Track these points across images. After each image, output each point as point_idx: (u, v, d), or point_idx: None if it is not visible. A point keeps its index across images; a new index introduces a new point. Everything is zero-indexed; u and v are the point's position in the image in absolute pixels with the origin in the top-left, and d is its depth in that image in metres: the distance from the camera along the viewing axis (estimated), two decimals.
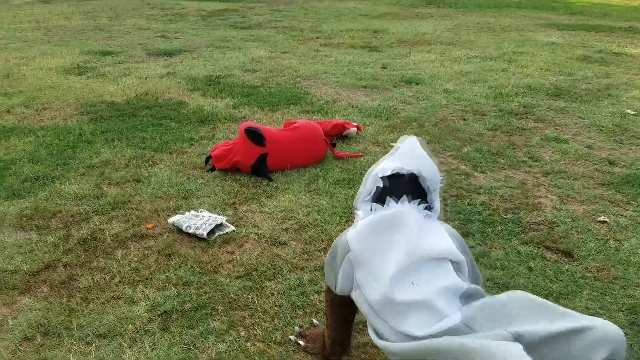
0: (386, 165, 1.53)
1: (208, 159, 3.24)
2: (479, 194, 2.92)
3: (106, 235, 2.48)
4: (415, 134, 3.79)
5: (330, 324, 1.71)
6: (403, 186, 1.49)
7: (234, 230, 2.53)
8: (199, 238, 2.44)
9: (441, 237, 1.46)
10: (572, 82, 5.21)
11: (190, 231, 2.46)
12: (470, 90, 4.87)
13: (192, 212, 2.64)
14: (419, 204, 1.49)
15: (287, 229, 2.55)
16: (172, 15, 9.79)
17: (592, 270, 2.27)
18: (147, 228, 2.55)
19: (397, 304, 1.34)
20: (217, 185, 2.99)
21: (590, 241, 2.48)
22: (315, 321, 1.93)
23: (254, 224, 2.60)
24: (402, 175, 1.50)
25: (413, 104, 4.51)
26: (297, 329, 1.89)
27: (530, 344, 1.23)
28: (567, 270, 2.25)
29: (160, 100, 4.53)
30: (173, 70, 5.52)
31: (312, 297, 2.06)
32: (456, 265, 1.44)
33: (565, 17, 10.36)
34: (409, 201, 1.48)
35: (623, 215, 2.72)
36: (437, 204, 1.53)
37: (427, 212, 1.50)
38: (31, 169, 3.13)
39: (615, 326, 1.24)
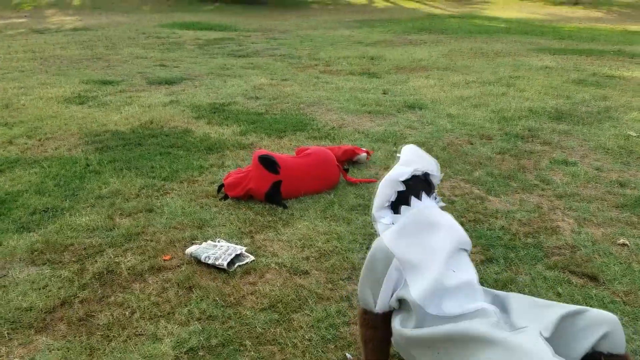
0: (402, 170, 1.68)
1: (220, 187, 3.20)
2: (496, 218, 2.90)
3: (122, 268, 2.41)
4: None
5: (370, 349, 1.67)
6: (418, 185, 1.67)
7: (253, 260, 2.47)
8: (219, 269, 2.38)
9: (458, 227, 1.65)
10: (571, 105, 5.28)
11: (210, 262, 2.40)
12: (473, 115, 4.91)
13: (210, 242, 2.58)
14: (433, 197, 1.70)
15: (307, 258, 2.50)
16: (169, 44, 9.84)
17: (619, 294, 2.24)
18: (164, 260, 2.49)
19: (443, 289, 1.48)
20: (232, 214, 2.94)
21: (614, 264, 2.46)
22: (348, 355, 1.87)
23: (273, 252, 2.55)
24: (418, 176, 1.68)
25: (419, 128, 4.52)
26: None
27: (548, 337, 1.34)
28: (595, 295, 2.22)
29: (165, 128, 4.50)
30: (176, 98, 5.51)
31: (342, 330, 2.00)
32: (468, 252, 1.65)
33: (555, 41, 10.58)
34: (428, 197, 1.67)
35: None
36: (438, 197, 1.76)
37: (440, 203, 1.71)
38: (39, 201, 3.06)
39: (608, 312, 1.39)
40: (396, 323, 1.54)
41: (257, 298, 2.20)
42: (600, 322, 1.37)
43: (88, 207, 3.01)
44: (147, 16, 15.41)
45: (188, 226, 2.80)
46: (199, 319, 2.06)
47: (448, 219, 1.66)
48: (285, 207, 3.04)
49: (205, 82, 6.39)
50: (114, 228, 2.76)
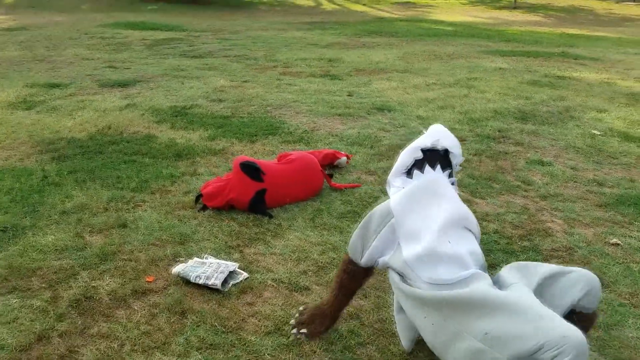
0: (424, 140, 1.78)
1: (198, 197, 2.98)
2: (488, 221, 2.87)
3: (101, 293, 2.16)
4: None
5: (341, 293, 1.82)
6: (436, 158, 1.76)
7: (247, 277, 2.29)
8: (211, 289, 2.19)
9: (468, 210, 1.72)
10: (533, 106, 5.40)
11: (201, 282, 2.20)
12: (442, 116, 4.91)
13: (196, 259, 2.38)
14: (449, 175, 1.78)
15: (305, 272, 2.35)
16: (115, 44, 9.34)
17: (625, 296, 2.24)
18: (147, 281, 2.26)
19: (437, 256, 1.55)
20: (215, 227, 2.74)
21: (612, 265, 2.47)
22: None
23: (268, 268, 2.38)
24: (437, 150, 1.78)
25: (392, 131, 4.46)
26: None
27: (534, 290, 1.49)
28: (604, 298, 2.20)
29: (125, 134, 4.20)
30: (132, 101, 5.17)
31: (358, 352, 1.86)
32: (475, 238, 1.72)
33: (501, 44, 10.90)
34: (442, 171, 1.76)
35: (631, 237, 2.74)
36: (454, 178, 1.84)
37: (453, 180, 1.79)
38: None
39: (590, 272, 1.53)
40: (396, 278, 1.63)
41: (259, 321, 2.02)
42: (582, 280, 1.49)
43: (52, 224, 2.71)
44: (86, 16, 14.63)
45: (168, 242, 2.57)
46: (199, 349, 1.86)
47: (455, 196, 1.73)
48: (271, 216, 2.87)
49: (162, 84, 6.07)
50: (85, 247, 2.49)
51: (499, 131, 4.48)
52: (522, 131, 4.51)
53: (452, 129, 4.46)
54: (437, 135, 1.83)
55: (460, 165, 1.96)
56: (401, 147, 4.02)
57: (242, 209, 2.90)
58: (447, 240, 1.59)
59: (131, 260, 2.40)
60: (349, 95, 5.75)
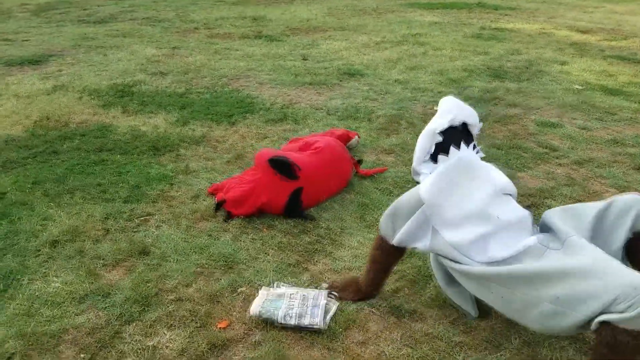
0: (439, 122, 1.71)
1: (219, 204, 2.43)
2: (546, 197, 2.67)
3: (169, 355, 1.62)
4: (415, 133, 3.41)
5: (373, 269, 1.82)
6: (457, 135, 1.70)
7: (338, 306, 1.86)
8: (307, 329, 1.73)
9: (501, 174, 1.71)
10: (497, 62, 5.30)
11: (293, 322, 1.73)
12: (420, 79, 4.63)
13: (266, 289, 1.89)
14: (473, 147, 1.74)
15: (398, 290, 1.97)
16: None
17: None
18: (221, 328, 1.74)
19: (489, 236, 1.55)
20: (257, 240, 2.23)
21: None
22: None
23: None
24: (455, 126, 1.72)
25: (378, 99, 4.10)
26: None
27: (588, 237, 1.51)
28: None
29: (73, 125, 3.38)
30: (58, 82, 4.22)
31: None
32: (514, 197, 1.70)
33: None
34: (467, 147, 1.71)
35: None
36: (478, 147, 1.78)
37: (477, 150, 1.75)
38: None
39: (631, 194, 1.55)
40: (447, 262, 1.62)
41: None
42: (629, 207, 1.50)
43: (48, 261, 2.02)
44: None
45: (214, 268, 2.04)
46: None
47: (487, 167, 1.71)
48: (313, 219, 2.41)
49: (81, 58, 5.08)
50: (112, 291, 1.88)
51: (487, 92, 4.30)
52: (507, 90, 4.38)
53: (439, 93, 4.23)
54: (452, 111, 1.75)
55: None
56: (400, 117, 3.71)
57: (276, 213, 2.41)
58: (496, 215, 1.58)
59: (182, 300, 1.85)
60: (304, 60, 5.25)
